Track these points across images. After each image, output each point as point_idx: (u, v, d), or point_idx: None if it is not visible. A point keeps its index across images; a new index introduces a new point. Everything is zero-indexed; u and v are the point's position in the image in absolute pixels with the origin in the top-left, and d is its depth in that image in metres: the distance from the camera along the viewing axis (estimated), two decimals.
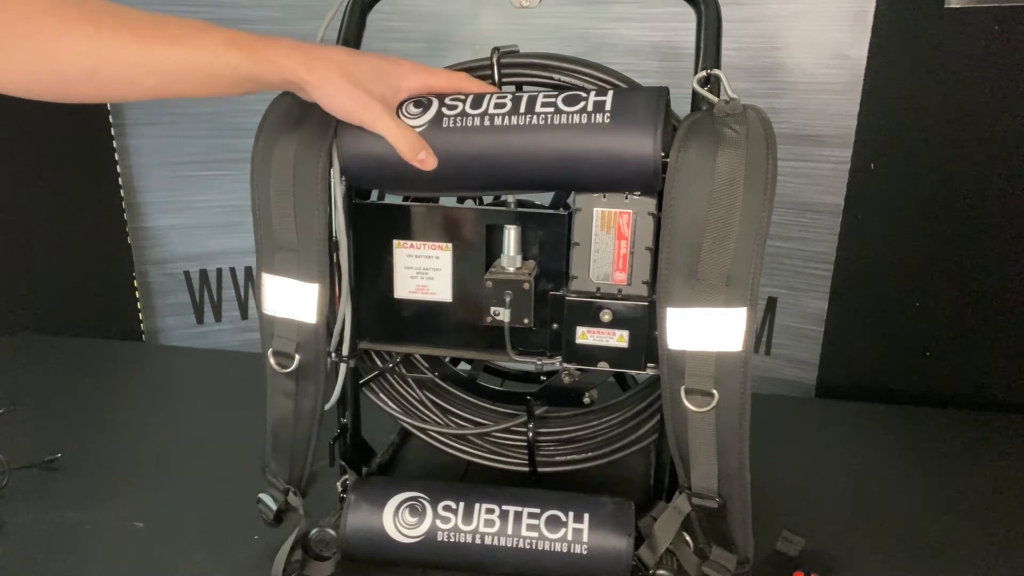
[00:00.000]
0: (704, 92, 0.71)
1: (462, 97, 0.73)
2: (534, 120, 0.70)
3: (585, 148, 0.70)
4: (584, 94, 0.71)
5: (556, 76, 0.80)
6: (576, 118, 0.69)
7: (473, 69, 0.82)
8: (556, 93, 0.72)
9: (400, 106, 0.73)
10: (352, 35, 0.80)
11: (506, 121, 0.71)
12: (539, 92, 0.72)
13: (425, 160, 0.71)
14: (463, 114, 0.72)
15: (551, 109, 0.70)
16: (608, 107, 0.69)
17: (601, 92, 0.71)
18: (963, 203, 1.18)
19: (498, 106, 0.72)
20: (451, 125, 0.72)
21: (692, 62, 0.74)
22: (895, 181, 1.22)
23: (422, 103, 0.73)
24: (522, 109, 0.71)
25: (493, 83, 0.81)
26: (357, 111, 0.70)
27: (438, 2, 1.41)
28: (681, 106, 0.76)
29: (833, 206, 1.27)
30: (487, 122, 0.71)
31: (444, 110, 0.72)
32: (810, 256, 1.32)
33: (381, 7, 0.82)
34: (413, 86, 0.73)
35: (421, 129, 0.72)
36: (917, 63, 1.16)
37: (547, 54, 0.81)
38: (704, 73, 0.72)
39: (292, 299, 0.78)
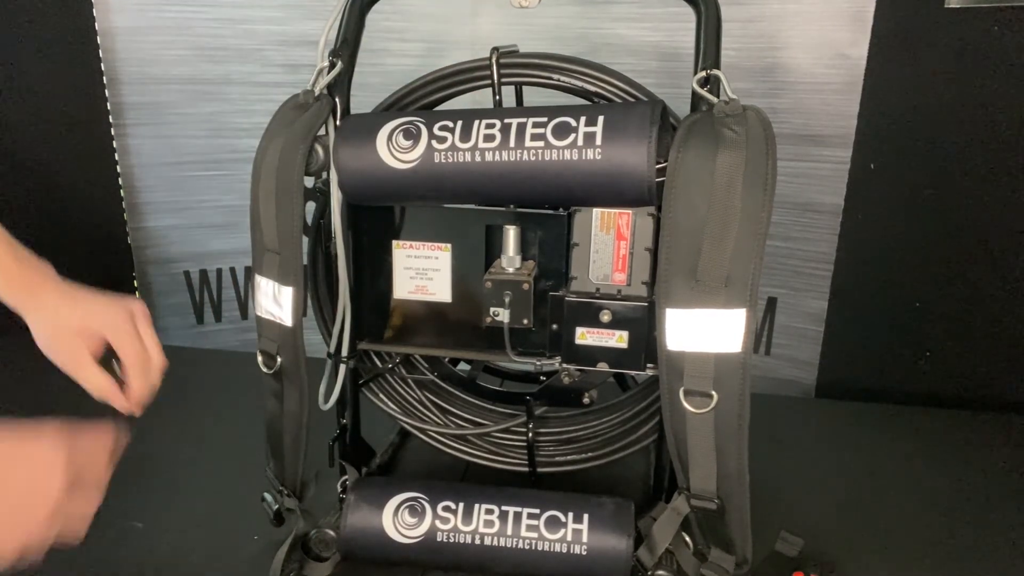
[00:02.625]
0: (704, 93, 0.71)
1: (450, 127, 0.73)
2: (524, 155, 0.70)
3: (579, 183, 0.70)
4: (574, 122, 0.70)
5: (556, 76, 0.80)
6: (567, 153, 0.69)
7: (473, 69, 0.82)
8: (546, 119, 0.71)
9: (391, 136, 0.73)
10: (351, 35, 0.80)
11: (496, 156, 0.71)
12: (528, 119, 0.71)
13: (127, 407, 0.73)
14: (453, 148, 0.72)
15: (541, 144, 0.70)
16: (598, 140, 0.69)
17: (591, 119, 0.70)
18: (963, 203, 1.18)
19: (487, 138, 0.71)
20: (442, 160, 0.72)
21: (692, 62, 0.74)
22: (895, 181, 1.22)
23: (412, 134, 0.73)
24: (511, 143, 0.70)
25: (492, 83, 0.81)
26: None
27: (438, 2, 1.41)
28: (681, 106, 0.76)
29: (833, 206, 1.27)
30: (477, 157, 0.71)
31: (434, 143, 0.72)
32: (810, 256, 1.32)
33: (381, 7, 0.82)
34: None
35: (412, 164, 0.72)
36: (917, 63, 1.16)
37: (547, 54, 0.81)
38: (704, 73, 0.72)
39: (274, 300, 0.78)
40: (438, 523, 0.80)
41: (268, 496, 0.87)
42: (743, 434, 0.71)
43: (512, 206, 0.79)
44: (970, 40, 1.12)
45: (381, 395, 0.93)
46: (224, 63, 1.40)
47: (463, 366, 1.03)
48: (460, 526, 0.80)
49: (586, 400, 0.90)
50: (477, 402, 0.96)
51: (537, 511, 0.80)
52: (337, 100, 0.77)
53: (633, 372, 0.80)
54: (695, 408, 0.70)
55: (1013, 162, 1.14)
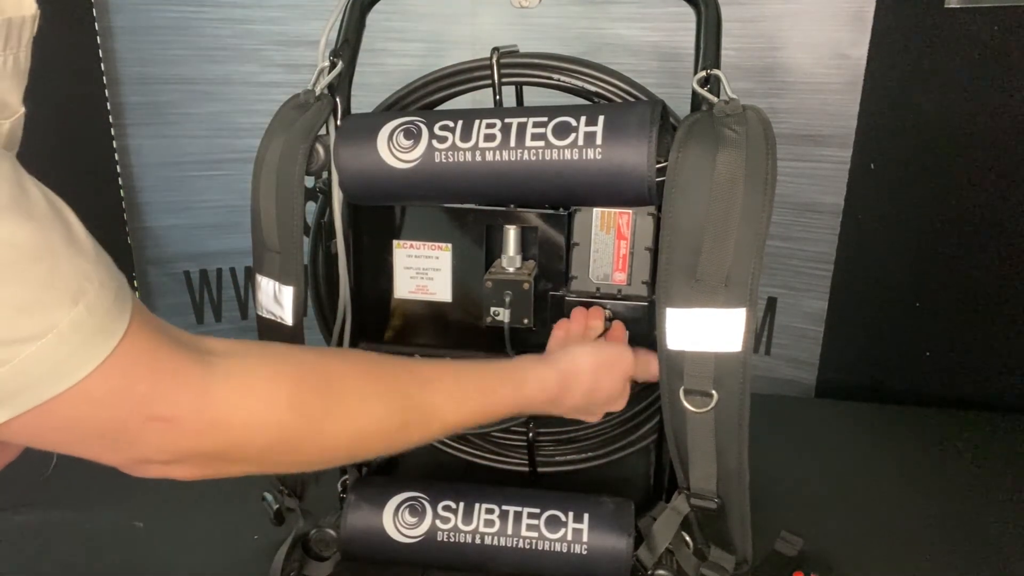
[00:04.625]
0: (704, 92, 0.71)
1: (451, 126, 0.73)
2: (525, 155, 0.70)
3: (579, 183, 0.70)
4: (574, 122, 0.70)
5: (556, 76, 0.80)
6: (567, 153, 0.69)
7: (473, 69, 0.82)
8: (546, 119, 0.71)
9: (391, 136, 0.73)
10: (352, 35, 0.80)
11: (497, 156, 0.71)
12: (528, 118, 0.71)
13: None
14: (453, 148, 0.72)
15: (541, 143, 0.70)
16: (599, 140, 0.69)
17: (592, 119, 0.70)
18: (963, 203, 1.18)
19: (488, 138, 0.71)
20: (442, 160, 0.72)
21: (692, 62, 0.74)
22: (895, 181, 1.22)
23: (412, 133, 0.73)
24: (512, 143, 0.70)
25: (493, 83, 0.81)
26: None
27: (438, 2, 1.41)
28: (681, 106, 0.76)
29: (833, 206, 1.27)
30: (478, 156, 0.71)
31: (435, 143, 0.72)
32: (810, 256, 1.32)
33: (381, 7, 0.82)
34: None
35: (413, 164, 0.72)
36: (917, 63, 1.16)
37: (547, 54, 0.81)
38: (704, 73, 0.72)
39: (275, 300, 0.78)
40: (438, 523, 0.80)
41: (268, 496, 0.87)
42: (743, 434, 0.71)
43: (512, 206, 0.79)
44: (970, 40, 1.12)
45: None
46: (224, 63, 1.40)
47: None
48: (460, 526, 0.80)
49: None
50: None
51: (537, 511, 0.80)
52: (338, 100, 0.77)
53: None
54: (695, 407, 0.70)
55: (1013, 162, 1.14)
